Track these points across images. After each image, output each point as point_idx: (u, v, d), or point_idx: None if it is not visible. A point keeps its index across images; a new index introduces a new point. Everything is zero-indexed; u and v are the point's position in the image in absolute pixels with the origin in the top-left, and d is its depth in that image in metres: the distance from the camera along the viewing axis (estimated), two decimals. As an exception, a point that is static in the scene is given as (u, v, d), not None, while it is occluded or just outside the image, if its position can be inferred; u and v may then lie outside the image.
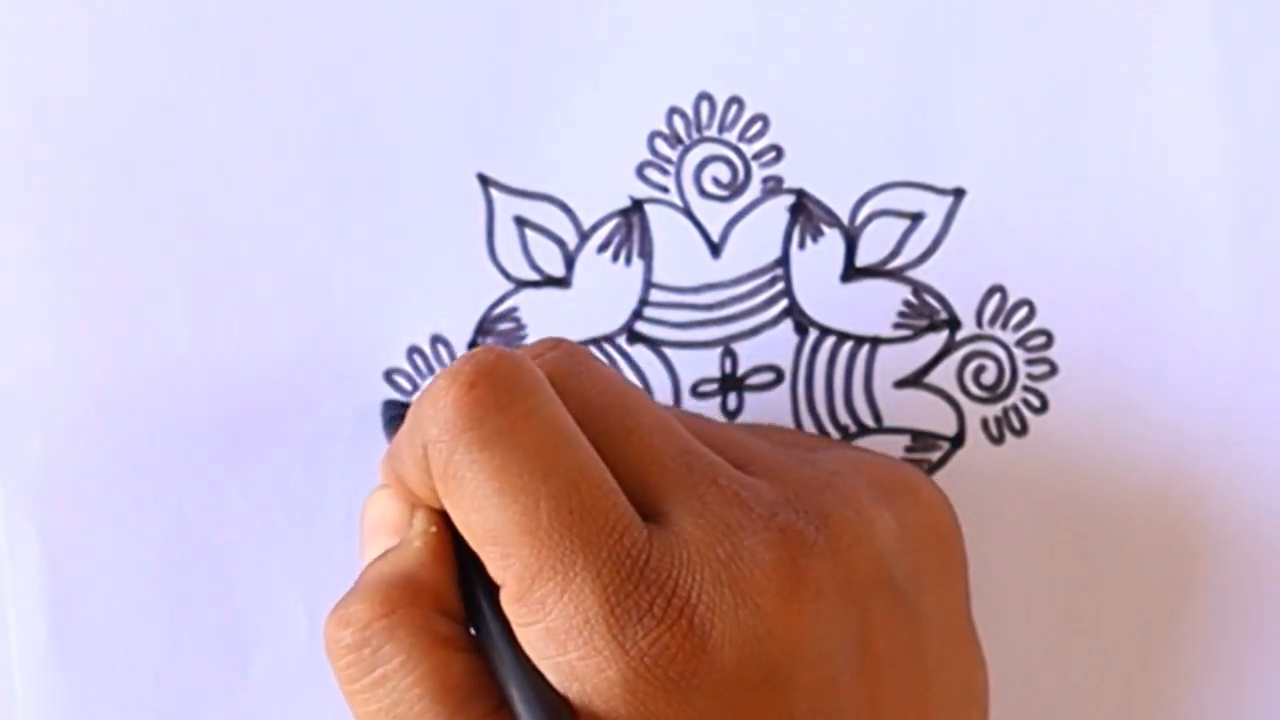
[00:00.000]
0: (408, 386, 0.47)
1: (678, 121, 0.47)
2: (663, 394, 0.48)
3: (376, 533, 0.42)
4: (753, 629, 0.38)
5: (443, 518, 0.41)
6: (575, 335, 0.48)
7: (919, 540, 0.42)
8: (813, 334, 0.48)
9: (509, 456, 0.38)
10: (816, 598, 0.39)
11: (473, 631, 0.40)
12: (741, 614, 0.38)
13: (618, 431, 0.40)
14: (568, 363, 0.41)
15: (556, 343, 0.41)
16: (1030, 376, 0.48)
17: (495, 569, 0.38)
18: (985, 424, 0.48)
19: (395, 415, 0.45)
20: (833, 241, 0.48)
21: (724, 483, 0.40)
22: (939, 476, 0.48)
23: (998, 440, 0.48)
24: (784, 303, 0.48)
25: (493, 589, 0.39)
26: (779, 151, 0.48)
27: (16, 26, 0.46)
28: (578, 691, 0.38)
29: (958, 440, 0.48)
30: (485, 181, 0.47)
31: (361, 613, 0.39)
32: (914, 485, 0.43)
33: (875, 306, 0.48)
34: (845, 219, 0.48)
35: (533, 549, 0.38)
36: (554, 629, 0.38)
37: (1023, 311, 0.48)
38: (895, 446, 0.48)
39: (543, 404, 0.39)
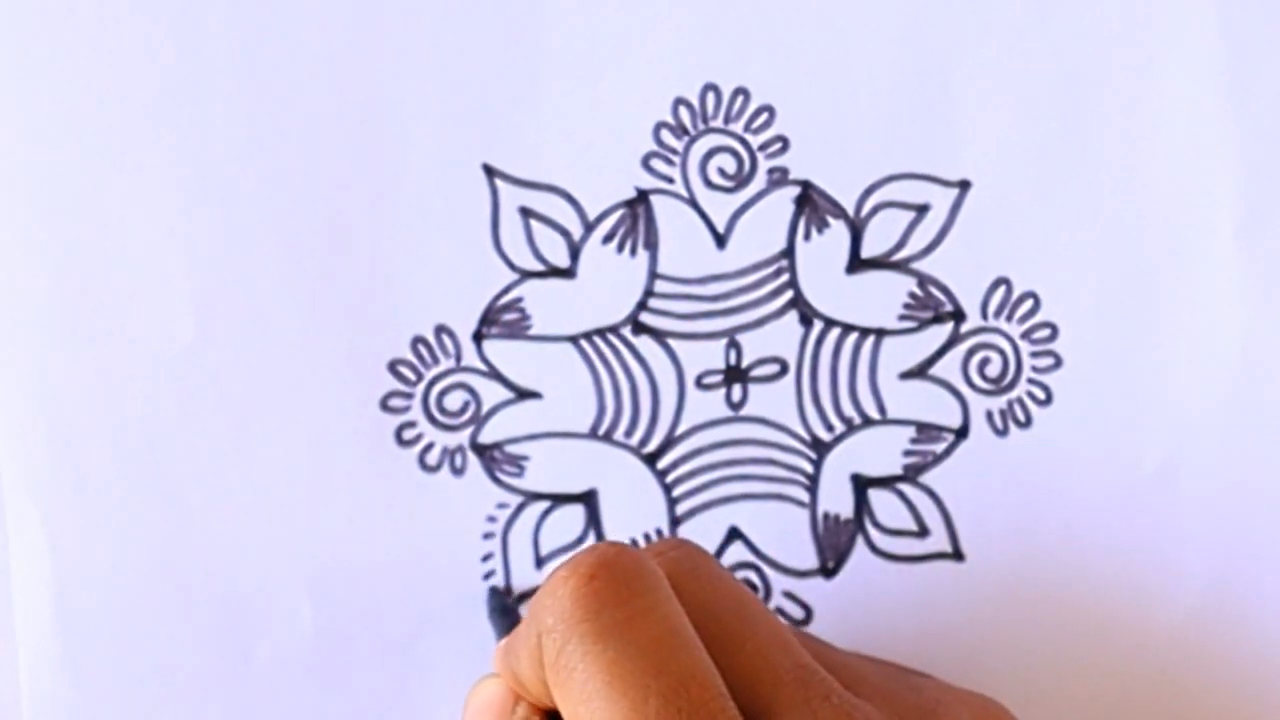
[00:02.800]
0: (412, 377, 0.47)
1: (683, 112, 0.47)
2: (667, 385, 0.48)
3: (479, 714, 0.43)
4: None
5: (544, 715, 0.41)
6: (579, 326, 0.48)
7: None
8: (818, 325, 0.48)
9: (622, 651, 0.38)
10: None
11: None
12: None
13: (733, 638, 0.40)
14: (688, 564, 0.41)
15: (679, 543, 0.42)
16: (1035, 369, 0.48)
17: None
18: (990, 416, 0.48)
19: (499, 605, 0.46)
20: (838, 233, 0.48)
21: (836, 701, 0.40)
22: (943, 469, 0.48)
23: (1002, 432, 0.48)
24: (789, 294, 0.48)
25: None
26: (785, 142, 0.48)
27: (19, 23, 0.46)
28: None
29: (962, 432, 0.48)
30: (490, 172, 0.47)
31: None
32: None
33: (880, 298, 0.48)
34: (851, 210, 0.48)
35: None
36: None
37: (1028, 304, 0.48)
38: (900, 438, 0.48)
39: (660, 602, 0.39)
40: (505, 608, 0.47)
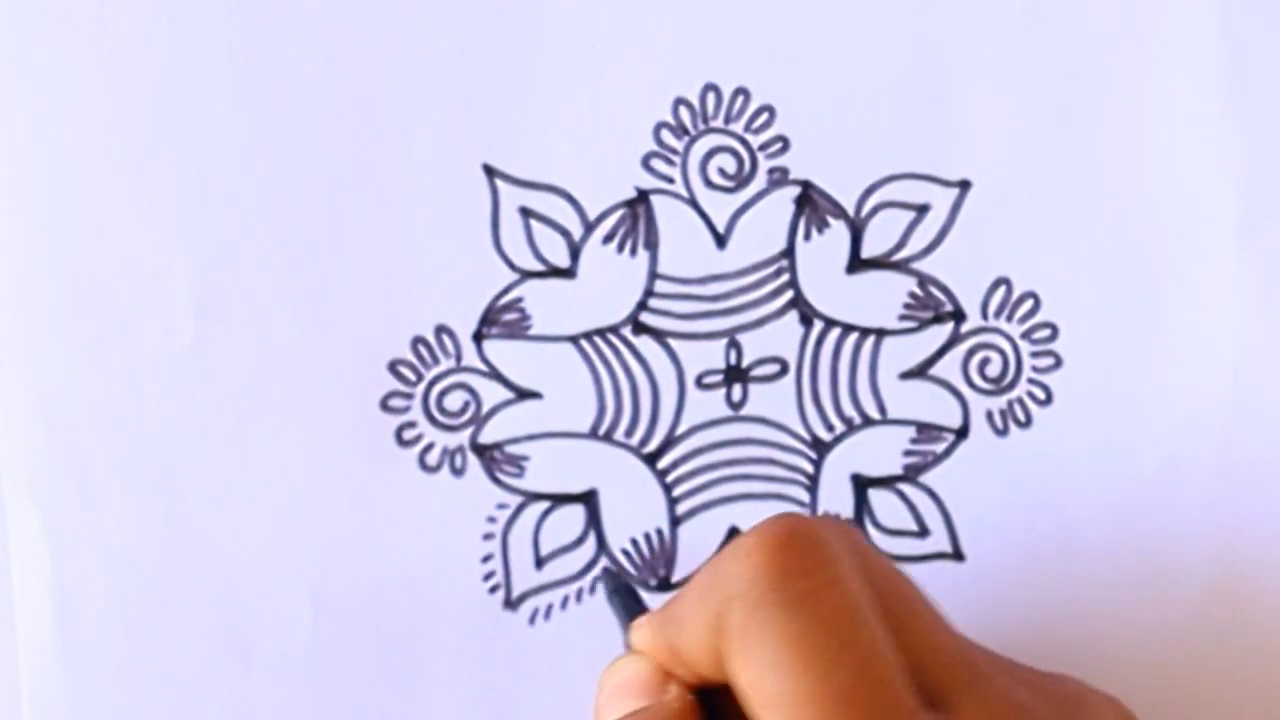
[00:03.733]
0: (412, 377, 0.47)
1: (684, 112, 0.47)
2: (667, 385, 0.48)
3: (623, 693, 0.42)
4: None
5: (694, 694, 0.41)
6: (579, 326, 0.48)
7: None
8: (818, 325, 0.48)
9: (809, 623, 0.38)
10: None
11: None
12: None
13: (903, 616, 0.40)
14: (856, 539, 0.41)
15: (836, 519, 0.42)
16: (1035, 369, 0.48)
17: None
18: (990, 416, 0.48)
19: (619, 585, 0.46)
20: (838, 233, 0.48)
21: (999, 683, 0.40)
22: (943, 469, 0.48)
23: (1002, 432, 0.48)
24: (789, 294, 0.48)
25: None
26: (785, 142, 0.48)
27: (20, 23, 0.46)
28: None
29: (962, 432, 0.48)
30: (490, 172, 0.47)
31: None
32: None
33: (881, 298, 0.48)
34: (851, 210, 0.48)
35: (820, 718, 0.37)
36: None
37: (1028, 304, 0.48)
38: (900, 438, 0.48)
39: (845, 575, 0.39)
40: (626, 588, 0.46)
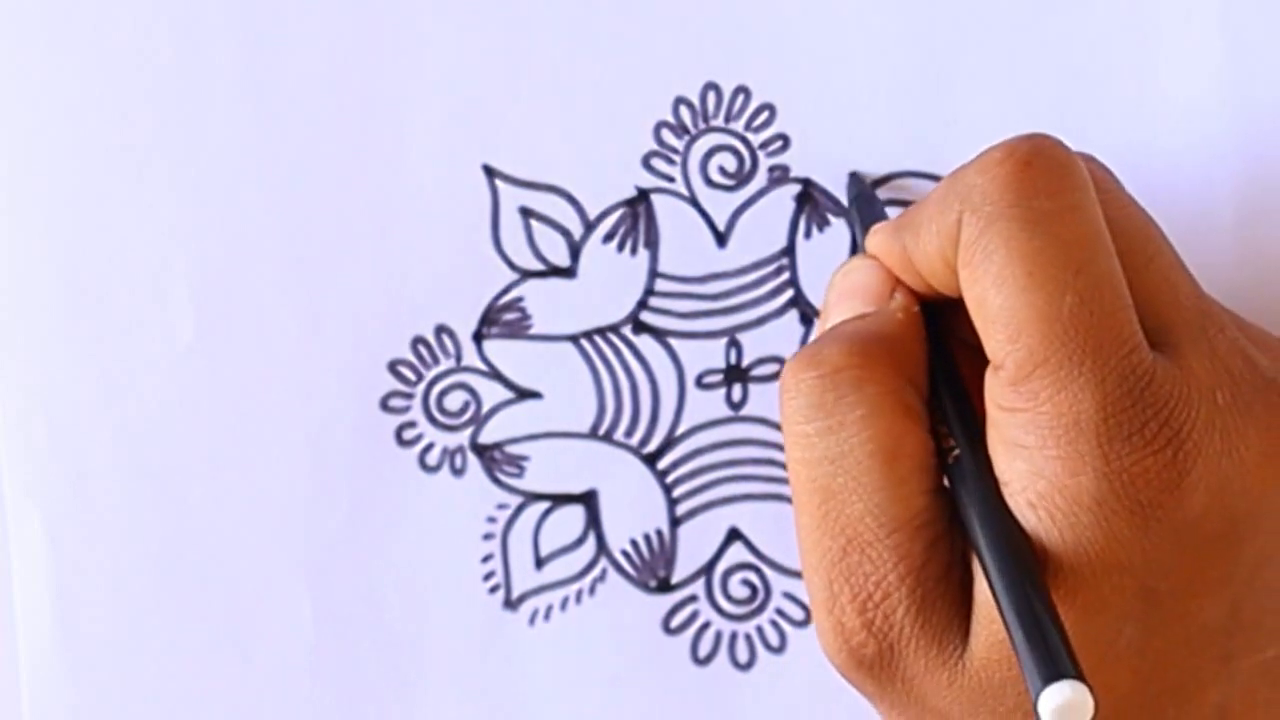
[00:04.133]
0: (412, 377, 0.47)
1: (684, 111, 0.47)
2: (667, 385, 0.48)
3: (851, 296, 0.42)
4: (1229, 480, 0.38)
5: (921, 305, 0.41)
6: (580, 325, 0.47)
7: None
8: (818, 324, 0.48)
9: (1048, 243, 0.37)
10: None
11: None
12: (1224, 462, 0.38)
13: (1140, 255, 0.39)
14: (1103, 173, 0.40)
15: (1089, 156, 0.41)
16: (1036, 369, 0.48)
17: (997, 348, 0.38)
18: (991, 416, 0.48)
19: (863, 191, 0.46)
20: (839, 231, 0.48)
21: (1232, 335, 0.39)
22: (944, 468, 0.48)
23: (1003, 432, 0.48)
24: (790, 293, 0.48)
25: (959, 375, 0.39)
26: (786, 141, 0.47)
27: (20, 23, 0.46)
28: (1042, 488, 0.37)
29: (963, 432, 0.48)
30: (490, 172, 0.47)
31: (835, 357, 0.39)
32: None
33: (881, 298, 0.48)
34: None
35: (1045, 338, 0.37)
36: (1040, 421, 0.37)
37: (1029, 303, 0.48)
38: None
39: (1088, 201, 0.38)
40: (870, 195, 0.46)
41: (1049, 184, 0.38)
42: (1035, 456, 0.37)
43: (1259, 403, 0.38)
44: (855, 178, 0.47)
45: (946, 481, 0.39)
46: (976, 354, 0.39)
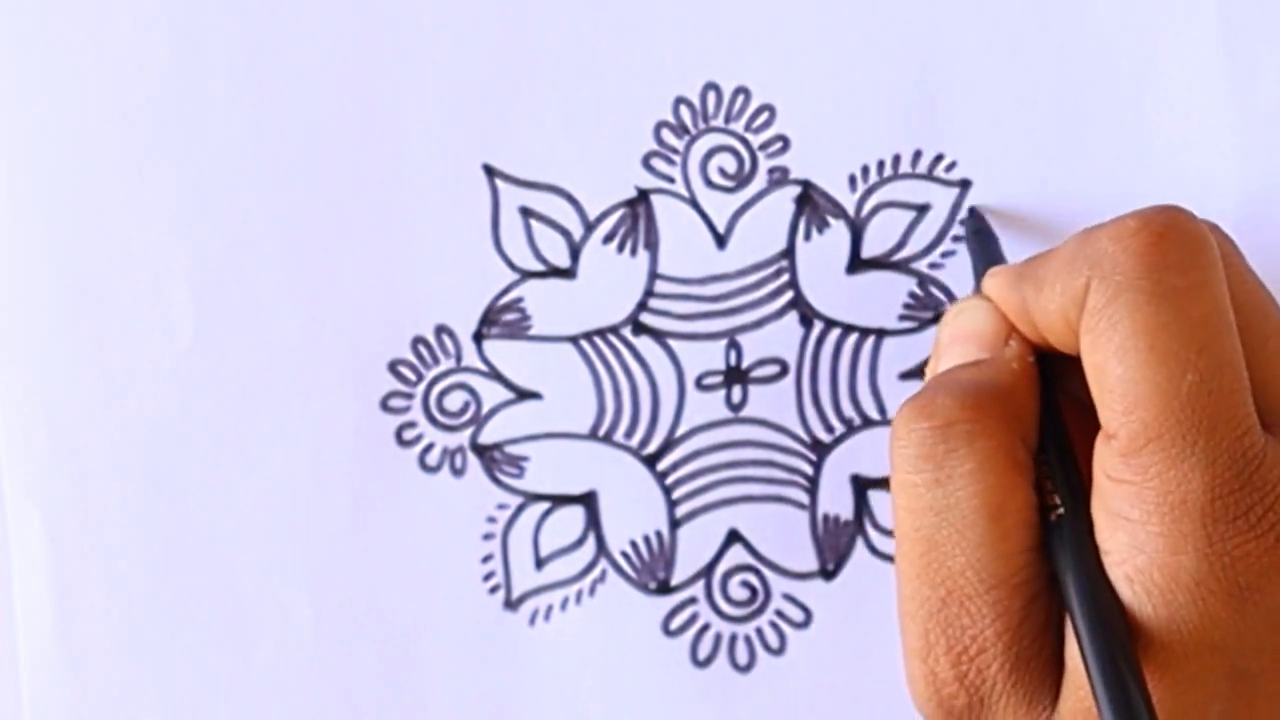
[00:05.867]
0: (412, 377, 0.47)
1: (684, 111, 0.47)
2: (667, 386, 0.48)
3: (965, 339, 0.42)
4: None
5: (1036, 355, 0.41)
6: (580, 326, 0.47)
7: None
8: (818, 326, 0.48)
9: (1173, 318, 0.37)
10: None
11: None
12: None
13: (1258, 334, 0.39)
14: (1228, 248, 0.40)
15: (1216, 226, 0.41)
16: (1036, 370, 0.48)
17: (1112, 418, 0.38)
18: (991, 417, 0.48)
19: (981, 228, 0.46)
20: (839, 233, 0.48)
21: None
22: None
23: (1003, 433, 0.48)
24: (789, 294, 0.48)
25: (1066, 431, 0.39)
26: (785, 142, 0.47)
27: (20, 24, 0.46)
28: (1141, 563, 0.37)
29: (963, 433, 0.48)
30: (491, 172, 0.47)
31: (949, 409, 0.39)
32: None
33: (881, 298, 0.48)
34: (851, 210, 0.47)
35: (1161, 414, 0.37)
36: (1146, 496, 0.37)
37: (1029, 304, 0.48)
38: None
39: (1217, 280, 0.38)
40: (988, 232, 0.46)
41: (1180, 259, 0.38)
42: (1138, 530, 0.37)
43: None
44: (974, 213, 0.47)
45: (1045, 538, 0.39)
46: (1084, 410, 0.39)
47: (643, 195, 0.47)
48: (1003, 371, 0.40)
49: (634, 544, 0.48)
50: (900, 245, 0.47)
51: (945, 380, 0.40)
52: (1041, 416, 0.40)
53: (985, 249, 0.46)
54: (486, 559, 0.48)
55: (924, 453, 0.39)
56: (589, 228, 0.47)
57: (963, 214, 0.47)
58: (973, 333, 0.42)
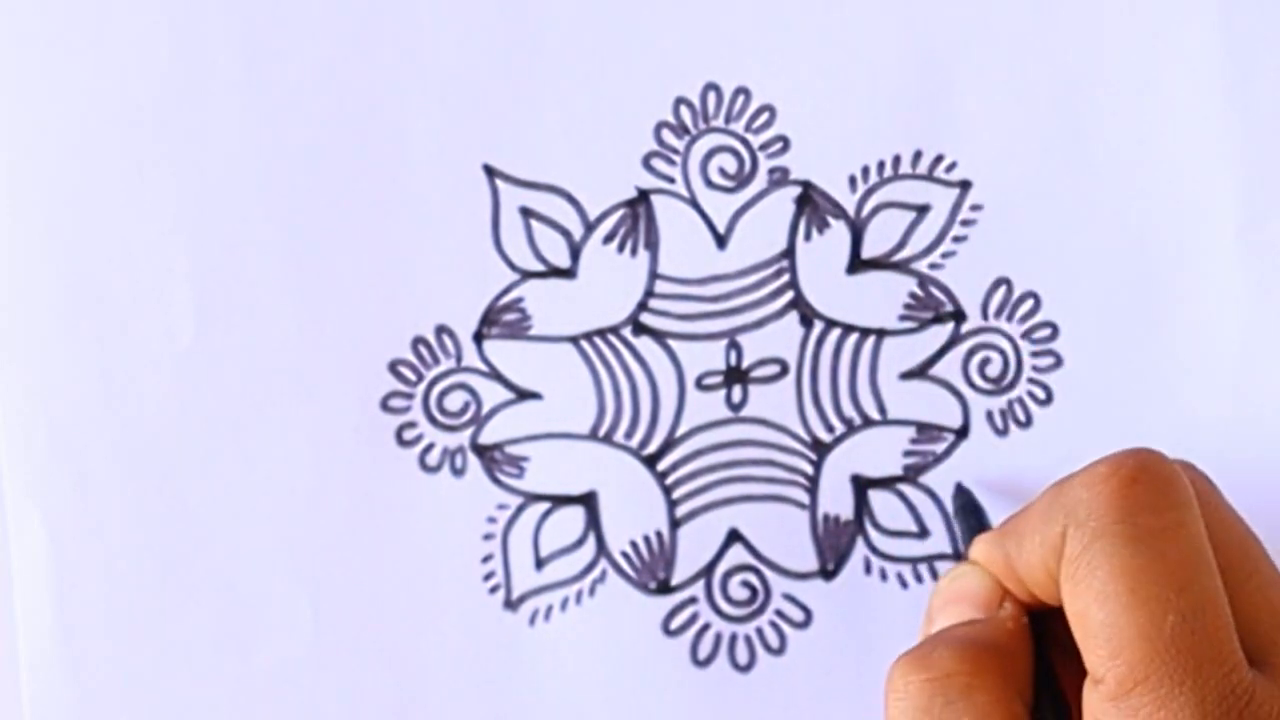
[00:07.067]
0: (412, 377, 0.47)
1: (684, 112, 0.47)
2: (667, 386, 0.48)
3: (958, 601, 0.42)
4: None
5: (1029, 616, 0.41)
6: (580, 326, 0.48)
7: None
8: (818, 326, 0.48)
9: (1150, 560, 0.38)
10: None
11: None
12: None
13: (1239, 571, 0.40)
14: (1204, 485, 0.41)
15: (1190, 465, 0.41)
16: (1035, 369, 0.48)
17: (1098, 663, 0.38)
18: (990, 416, 0.48)
19: (967, 503, 0.46)
20: (839, 233, 0.48)
21: None
22: (943, 469, 0.48)
23: (1002, 432, 0.48)
24: (789, 295, 0.48)
25: (1060, 686, 0.40)
26: (786, 142, 0.47)
27: (20, 24, 0.46)
28: None
29: (962, 432, 0.48)
30: (491, 172, 0.47)
31: (947, 661, 0.39)
32: None
33: (881, 298, 0.48)
34: (851, 211, 0.47)
35: (1146, 656, 0.37)
36: None
37: (1028, 304, 0.48)
38: (900, 439, 0.48)
39: (1192, 518, 0.39)
40: (974, 506, 0.47)
41: (1154, 501, 0.38)
42: None
43: None
44: (960, 489, 0.47)
45: None
46: (1075, 660, 0.39)
47: (643, 195, 0.48)
48: (998, 630, 0.41)
49: (634, 544, 0.48)
50: (900, 245, 0.48)
51: (943, 635, 0.41)
52: (1035, 673, 0.41)
53: (974, 523, 0.46)
54: (486, 559, 0.48)
55: (921, 705, 0.39)
56: (589, 228, 0.48)
57: (950, 489, 0.48)
58: (966, 595, 0.42)
